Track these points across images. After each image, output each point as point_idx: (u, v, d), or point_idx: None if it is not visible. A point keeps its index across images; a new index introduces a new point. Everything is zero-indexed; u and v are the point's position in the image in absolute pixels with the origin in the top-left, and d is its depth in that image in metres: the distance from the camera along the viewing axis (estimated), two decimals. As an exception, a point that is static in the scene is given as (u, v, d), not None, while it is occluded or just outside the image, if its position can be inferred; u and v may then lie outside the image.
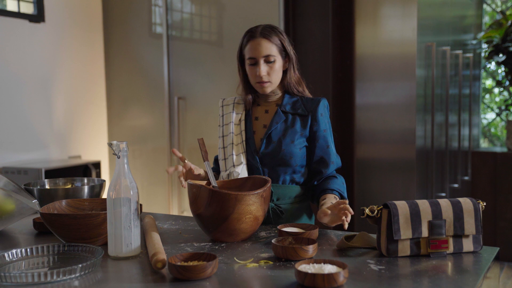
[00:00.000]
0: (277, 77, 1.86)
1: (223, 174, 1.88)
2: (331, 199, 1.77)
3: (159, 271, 1.30)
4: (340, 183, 1.85)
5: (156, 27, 3.80)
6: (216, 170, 2.04)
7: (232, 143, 1.90)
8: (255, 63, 1.83)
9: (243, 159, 1.86)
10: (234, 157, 1.87)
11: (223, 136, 1.94)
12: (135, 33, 3.89)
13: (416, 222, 1.39)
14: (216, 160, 2.06)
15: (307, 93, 1.94)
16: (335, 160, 1.89)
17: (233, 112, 1.96)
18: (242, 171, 1.84)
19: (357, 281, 1.21)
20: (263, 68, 1.82)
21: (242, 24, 3.48)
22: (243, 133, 1.91)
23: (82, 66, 3.92)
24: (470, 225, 1.41)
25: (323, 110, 1.90)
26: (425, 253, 1.39)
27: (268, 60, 1.83)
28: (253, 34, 1.84)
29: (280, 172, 1.85)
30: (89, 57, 3.97)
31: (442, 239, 1.39)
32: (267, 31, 1.84)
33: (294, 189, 1.87)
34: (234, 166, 1.85)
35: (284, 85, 1.92)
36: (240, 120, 1.94)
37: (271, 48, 1.83)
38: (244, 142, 1.90)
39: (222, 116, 1.98)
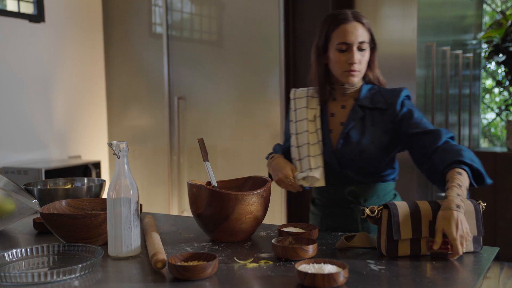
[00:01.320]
0: (365, 67, 1.71)
1: (298, 175, 1.70)
2: (455, 181, 1.40)
3: (159, 271, 1.30)
4: (469, 153, 1.49)
5: (156, 27, 3.80)
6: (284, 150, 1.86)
7: (308, 143, 1.71)
8: (346, 49, 1.66)
9: (320, 161, 1.69)
10: (311, 159, 1.69)
11: (296, 134, 1.75)
12: (135, 33, 3.89)
13: (416, 222, 1.38)
14: (281, 149, 1.88)
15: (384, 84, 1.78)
16: (442, 129, 1.60)
17: (307, 106, 1.76)
18: (320, 176, 1.67)
19: (357, 281, 1.21)
20: (357, 54, 1.66)
21: (242, 24, 3.48)
22: (319, 131, 1.73)
23: (82, 66, 3.92)
24: (471, 226, 1.41)
25: (404, 100, 1.70)
26: (425, 253, 1.39)
27: (361, 48, 1.67)
28: (345, 17, 1.67)
29: (362, 172, 1.70)
30: (89, 57, 3.97)
31: (443, 240, 1.39)
32: (359, 16, 1.68)
33: (381, 187, 1.73)
34: (311, 169, 1.68)
35: (364, 76, 1.76)
36: (315, 116, 1.74)
37: (365, 34, 1.67)
38: (321, 142, 1.72)
39: (295, 110, 1.78)
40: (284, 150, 1.85)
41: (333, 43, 1.67)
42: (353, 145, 1.68)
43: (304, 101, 1.77)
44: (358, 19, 1.67)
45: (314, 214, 1.88)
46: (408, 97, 1.73)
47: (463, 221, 1.33)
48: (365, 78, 1.76)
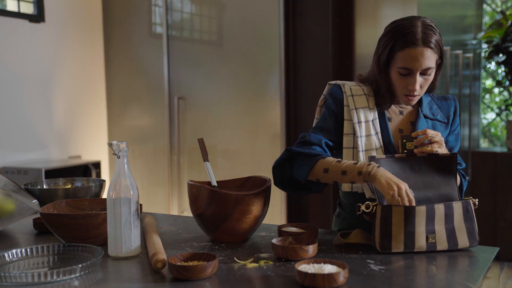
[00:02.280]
0: (426, 88, 1.59)
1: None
2: None
3: (159, 271, 1.30)
4: (461, 180, 1.63)
5: (156, 27, 3.80)
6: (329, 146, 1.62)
7: (375, 148, 1.58)
8: (408, 73, 1.54)
9: None
10: None
11: (360, 136, 1.59)
12: (135, 33, 3.89)
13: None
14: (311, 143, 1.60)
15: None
16: (462, 163, 1.68)
17: (368, 107, 1.61)
18: None
19: (357, 281, 1.21)
20: (420, 80, 1.54)
21: (242, 24, 3.48)
22: (379, 136, 1.60)
23: (82, 66, 3.92)
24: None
25: (458, 116, 1.70)
26: (419, 249, 1.40)
27: (424, 73, 1.54)
28: (413, 39, 1.51)
29: None
30: (89, 57, 3.97)
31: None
32: (429, 37, 1.51)
33: None
34: None
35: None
36: (373, 118, 1.62)
37: (432, 60, 1.53)
38: (383, 148, 1.59)
39: (355, 109, 1.60)
40: (327, 145, 1.63)
41: (396, 63, 1.55)
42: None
43: (364, 100, 1.62)
44: (426, 43, 1.51)
45: (342, 218, 1.76)
46: None
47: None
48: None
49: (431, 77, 1.57)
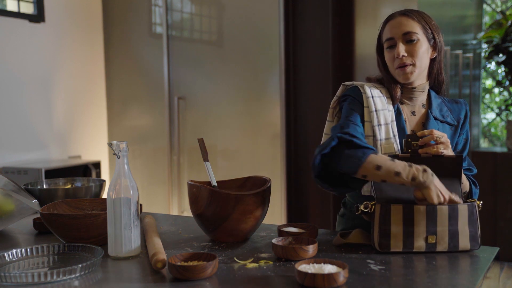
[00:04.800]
0: (421, 61, 1.55)
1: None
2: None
3: (159, 271, 1.30)
4: (472, 186, 1.61)
5: (156, 27, 3.81)
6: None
7: (394, 151, 1.54)
8: (393, 44, 1.55)
9: None
10: None
11: (380, 140, 1.55)
12: (135, 33, 3.89)
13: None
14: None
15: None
16: (473, 169, 1.67)
17: (387, 109, 1.57)
18: None
19: (357, 281, 1.21)
20: (402, 47, 1.53)
21: (242, 24, 3.48)
22: (397, 138, 1.56)
23: (82, 66, 3.92)
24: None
25: (468, 120, 1.67)
26: (418, 248, 1.40)
27: (409, 39, 1.53)
28: (392, 15, 1.59)
29: None
30: (89, 57, 3.97)
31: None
32: (408, 11, 1.57)
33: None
34: None
35: (431, 79, 1.62)
36: (391, 121, 1.58)
37: (413, 25, 1.54)
38: (399, 151, 1.56)
39: (375, 111, 1.56)
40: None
41: (383, 42, 1.60)
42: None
43: (383, 101, 1.58)
44: (405, 13, 1.56)
45: (347, 218, 1.75)
46: None
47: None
48: (432, 81, 1.64)
49: (419, 46, 1.54)
